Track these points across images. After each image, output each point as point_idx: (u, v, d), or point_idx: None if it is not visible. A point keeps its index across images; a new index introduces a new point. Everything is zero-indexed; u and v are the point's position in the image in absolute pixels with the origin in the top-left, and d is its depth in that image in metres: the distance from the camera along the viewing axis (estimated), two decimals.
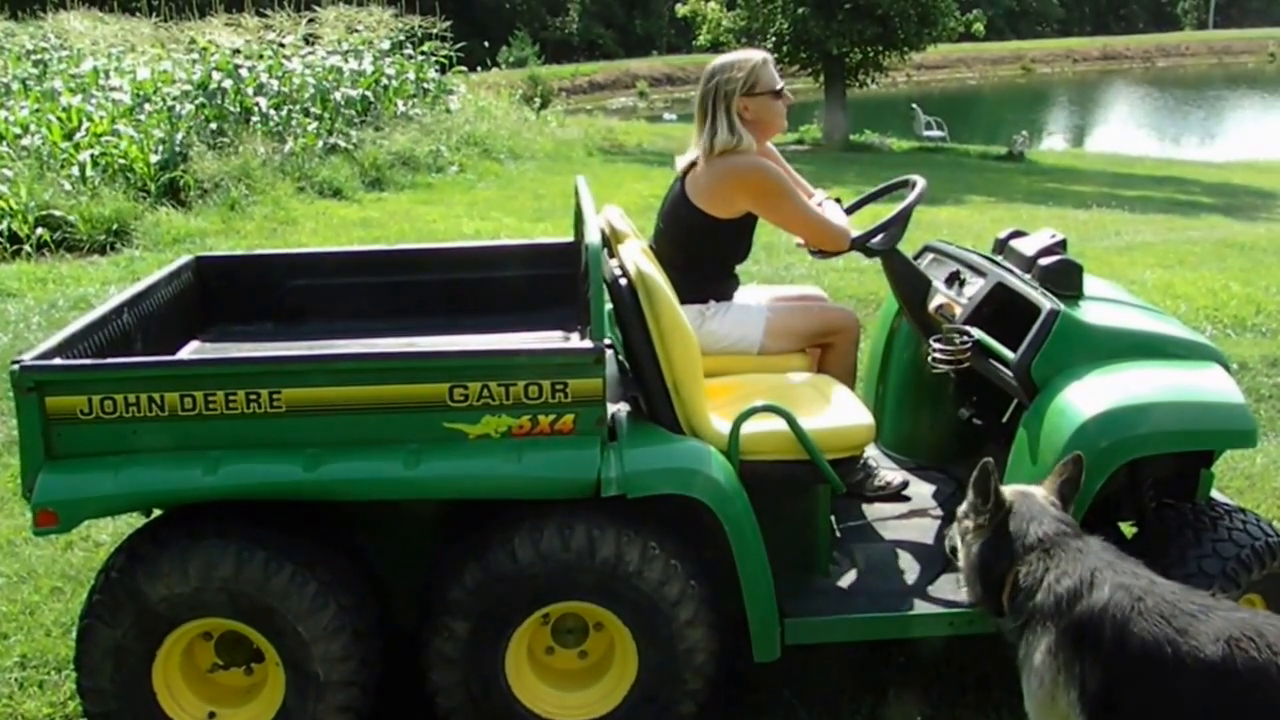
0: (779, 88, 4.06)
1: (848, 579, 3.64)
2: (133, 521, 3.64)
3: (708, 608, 3.25)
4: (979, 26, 26.50)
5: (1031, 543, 2.75)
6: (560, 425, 3.15)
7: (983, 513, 2.83)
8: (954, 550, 3.02)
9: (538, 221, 11.54)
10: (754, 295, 4.33)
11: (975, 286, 3.89)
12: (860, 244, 4.00)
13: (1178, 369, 3.50)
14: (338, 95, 15.78)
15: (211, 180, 12.04)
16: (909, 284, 4.07)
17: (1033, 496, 2.87)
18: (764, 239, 9.30)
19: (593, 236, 3.26)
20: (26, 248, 9.97)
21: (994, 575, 2.81)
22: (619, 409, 3.44)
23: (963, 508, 2.93)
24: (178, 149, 12.32)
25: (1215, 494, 3.60)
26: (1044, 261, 3.70)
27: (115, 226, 10.51)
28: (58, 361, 3.12)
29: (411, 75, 18.22)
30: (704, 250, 4.07)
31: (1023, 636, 2.71)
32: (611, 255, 3.67)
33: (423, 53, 18.98)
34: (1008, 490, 2.88)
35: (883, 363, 4.48)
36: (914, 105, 26.74)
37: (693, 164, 4.08)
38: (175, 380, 3.10)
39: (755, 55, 4.06)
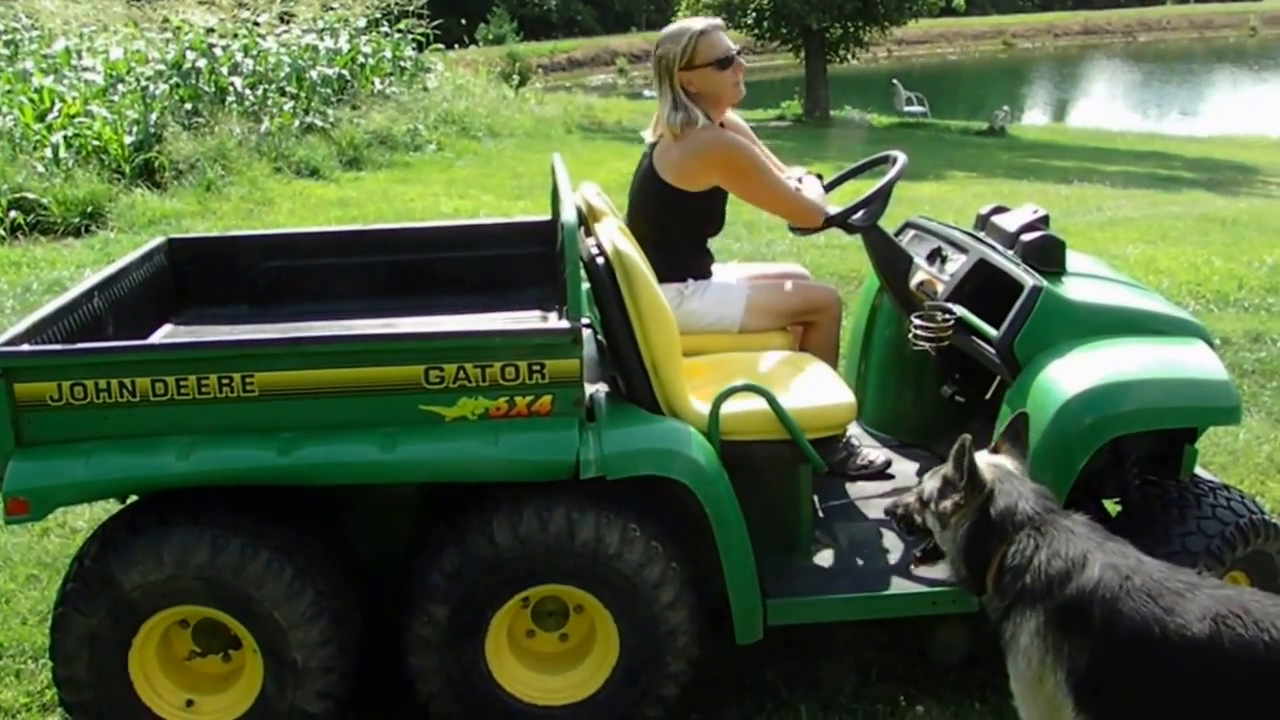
0: (722, 57, 3.96)
1: (830, 558, 3.62)
2: (110, 508, 3.60)
3: (689, 589, 3.23)
4: (959, 1, 26.48)
5: (1021, 521, 2.70)
6: (538, 406, 3.11)
7: (961, 490, 2.77)
8: (905, 520, 2.94)
9: (517, 200, 11.49)
10: (735, 272, 4.30)
11: (957, 263, 3.86)
12: (841, 220, 3.97)
13: (1162, 345, 3.48)
14: (314, 74, 15.62)
15: (187, 161, 11.93)
16: (890, 261, 4.05)
17: (1011, 472, 2.82)
18: (745, 216, 9.28)
19: (568, 214, 3.22)
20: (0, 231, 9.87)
21: (982, 554, 2.75)
22: (597, 389, 3.41)
23: (934, 484, 2.85)
24: (152, 130, 12.18)
25: (1199, 470, 3.58)
26: (1026, 237, 3.67)
27: (89, 209, 10.40)
28: (25, 348, 3.08)
29: (388, 53, 18.06)
30: (674, 224, 4.02)
31: (1009, 617, 2.67)
32: (589, 234, 3.63)
33: (399, 30, 18.84)
34: (984, 464, 2.80)
35: (864, 340, 4.45)
36: (895, 81, 26.70)
37: (660, 137, 4.04)
38: (145, 365, 3.06)
39: (695, 25, 3.97)
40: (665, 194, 3.95)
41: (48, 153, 11.16)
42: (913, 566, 3.12)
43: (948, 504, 2.79)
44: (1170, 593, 2.50)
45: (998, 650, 2.76)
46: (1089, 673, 2.50)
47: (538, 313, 4.08)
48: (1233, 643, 2.41)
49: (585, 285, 3.49)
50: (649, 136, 4.11)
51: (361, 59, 17.18)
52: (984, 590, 2.78)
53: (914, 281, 3.93)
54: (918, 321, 3.68)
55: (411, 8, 18.85)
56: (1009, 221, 3.84)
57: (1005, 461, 2.85)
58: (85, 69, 13.77)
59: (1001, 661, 2.75)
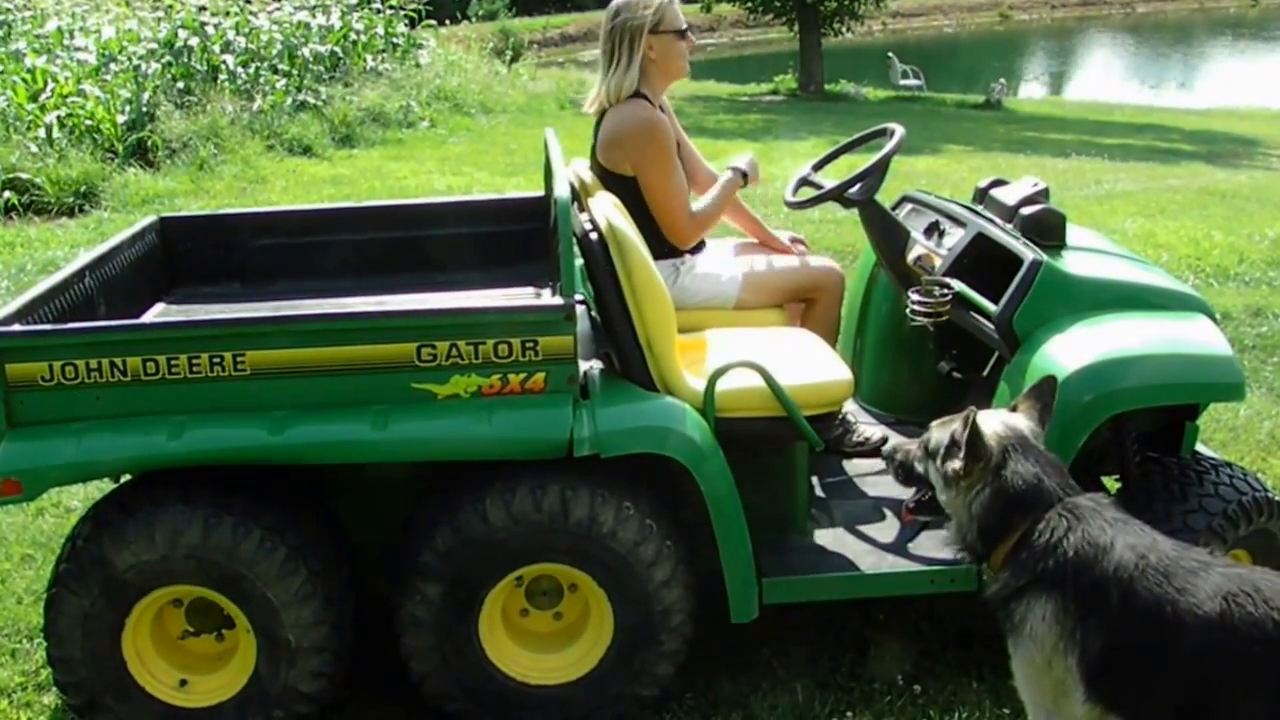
0: (683, 28, 3.98)
1: (827, 536, 3.59)
2: (105, 487, 3.60)
3: (684, 568, 3.22)
4: None
5: (1049, 499, 2.61)
6: (531, 384, 3.09)
7: (963, 459, 2.63)
8: (904, 466, 2.86)
9: (510, 176, 11.45)
10: (734, 245, 4.26)
11: (955, 237, 3.83)
12: (838, 194, 3.94)
13: (1163, 320, 3.44)
14: (306, 51, 15.54)
15: (179, 140, 11.88)
16: (887, 235, 4.01)
17: (1025, 438, 2.68)
18: (741, 191, 9.22)
19: (561, 190, 3.18)
20: None
21: (999, 526, 2.63)
22: (591, 366, 3.38)
23: (942, 438, 2.73)
24: (145, 109, 12.13)
25: (1200, 447, 3.55)
26: (1026, 211, 3.63)
27: (83, 188, 10.36)
28: (17, 328, 3.06)
29: (380, 30, 18.01)
30: (634, 207, 3.82)
31: (1021, 597, 2.57)
32: (582, 209, 3.59)
33: (391, 6, 18.72)
34: (992, 431, 2.66)
35: (861, 315, 4.42)
36: (890, 54, 26.59)
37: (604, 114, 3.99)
38: (136, 344, 3.05)
39: None
40: (607, 179, 3.90)
41: (41, 133, 11.11)
42: (904, 517, 3.02)
43: (951, 467, 2.67)
44: (1184, 572, 2.48)
45: (995, 629, 2.72)
46: (1101, 655, 2.46)
47: (531, 289, 4.05)
48: (1243, 621, 2.39)
49: (579, 261, 3.46)
50: (589, 109, 4.07)
51: (353, 35, 17.10)
52: (982, 560, 2.73)
53: (911, 256, 3.90)
54: (915, 297, 3.66)
55: None
56: (1008, 195, 3.80)
57: (1020, 423, 2.72)
58: (78, 49, 13.70)
59: (1000, 640, 2.71)
